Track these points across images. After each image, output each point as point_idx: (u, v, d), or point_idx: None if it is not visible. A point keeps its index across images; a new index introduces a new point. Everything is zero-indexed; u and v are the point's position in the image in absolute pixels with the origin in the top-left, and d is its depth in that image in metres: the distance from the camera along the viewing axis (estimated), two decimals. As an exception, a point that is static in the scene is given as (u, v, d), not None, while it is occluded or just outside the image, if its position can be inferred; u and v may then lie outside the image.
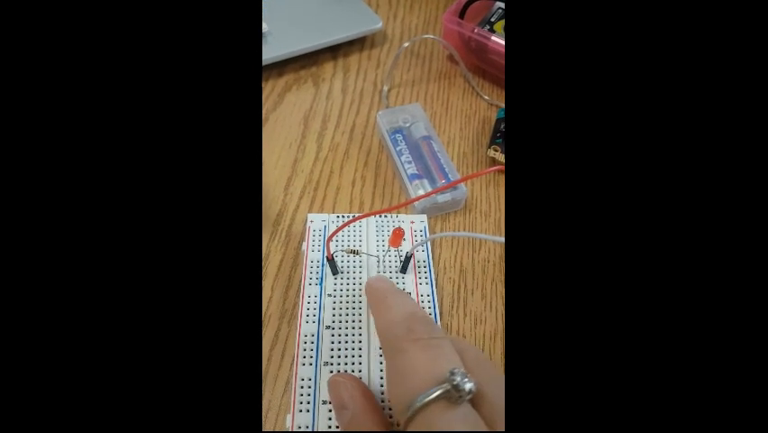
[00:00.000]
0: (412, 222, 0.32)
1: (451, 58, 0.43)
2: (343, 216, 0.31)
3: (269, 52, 0.40)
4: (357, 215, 0.31)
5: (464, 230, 0.33)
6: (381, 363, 0.25)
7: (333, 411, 0.23)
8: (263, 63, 0.40)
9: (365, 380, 0.25)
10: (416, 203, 0.32)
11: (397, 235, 0.27)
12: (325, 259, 0.28)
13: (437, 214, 0.33)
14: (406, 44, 0.40)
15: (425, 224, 0.32)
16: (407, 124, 0.36)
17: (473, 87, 0.41)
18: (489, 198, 0.34)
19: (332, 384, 0.22)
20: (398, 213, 0.32)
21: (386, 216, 0.32)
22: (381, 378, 0.25)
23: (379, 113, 0.37)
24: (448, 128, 0.39)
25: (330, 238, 0.27)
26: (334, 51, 0.43)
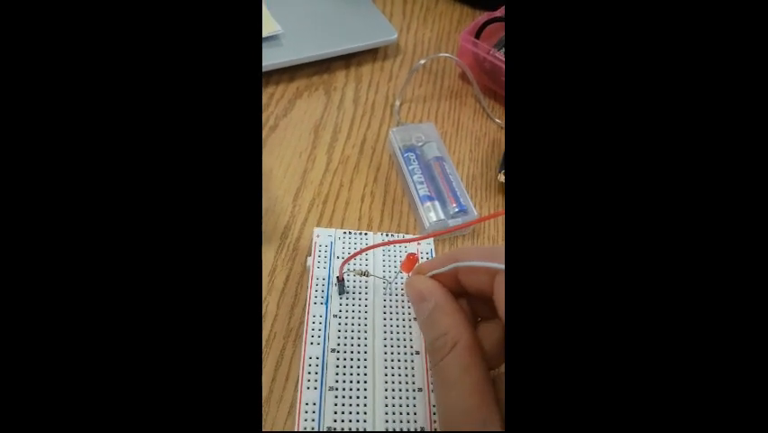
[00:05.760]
0: (418, 244, 0.31)
1: (463, 76, 0.43)
2: (350, 233, 0.31)
3: (282, 56, 0.39)
4: (365, 232, 0.31)
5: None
6: (386, 390, 0.25)
7: (412, 307, 0.25)
8: (274, 66, 0.39)
9: (369, 405, 0.24)
10: (426, 223, 0.32)
11: (411, 261, 0.27)
12: (334, 278, 0.28)
13: (445, 237, 0.33)
14: (423, 61, 0.40)
15: (432, 246, 0.31)
16: (420, 144, 0.36)
17: (484, 109, 0.41)
18: (498, 223, 0.34)
19: (409, 283, 0.24)
20: (405, 233, 0.32)
21: (393, 236, 0.31)
22: (386, 405, 0.25)
23: (393, 130, 0.36)
24: (458, 149, 0.38)
25: (345, 262, 0.27)
26: (347, 60, 0.42)
